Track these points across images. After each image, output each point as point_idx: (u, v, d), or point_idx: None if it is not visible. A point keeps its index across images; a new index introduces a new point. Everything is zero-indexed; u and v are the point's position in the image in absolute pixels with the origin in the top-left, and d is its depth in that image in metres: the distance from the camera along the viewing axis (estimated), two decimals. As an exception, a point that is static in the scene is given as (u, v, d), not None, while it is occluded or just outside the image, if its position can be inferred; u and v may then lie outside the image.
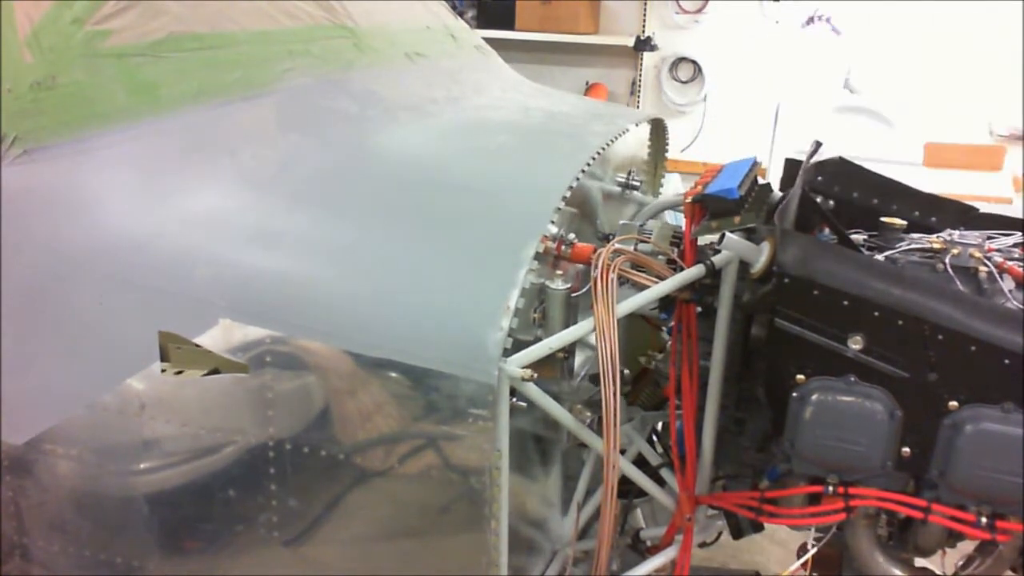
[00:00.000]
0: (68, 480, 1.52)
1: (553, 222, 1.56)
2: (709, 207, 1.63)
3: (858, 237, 1.78)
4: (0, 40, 1.49)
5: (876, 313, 1.41)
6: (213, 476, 1.49)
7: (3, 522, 1.54)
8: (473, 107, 2.16)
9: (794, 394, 1.47)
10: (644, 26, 5.51)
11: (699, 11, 5.42)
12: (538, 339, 1.47)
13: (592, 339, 1.50)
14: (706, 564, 2.69)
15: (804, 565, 1.62)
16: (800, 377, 1.47)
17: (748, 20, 5.31)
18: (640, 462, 1.89)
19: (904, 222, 1.78)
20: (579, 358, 1.77)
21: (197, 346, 1.43)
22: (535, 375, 1.40)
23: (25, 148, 1.47)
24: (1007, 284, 1.55)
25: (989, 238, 1.69)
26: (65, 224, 1.49)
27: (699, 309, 1.65)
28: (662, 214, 2.22)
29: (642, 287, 1.60)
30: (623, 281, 1.60)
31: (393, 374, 1.43)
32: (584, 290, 1.55)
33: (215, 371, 1.46)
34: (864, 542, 1.61)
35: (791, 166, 1.98)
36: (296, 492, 1.48)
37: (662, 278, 1.61)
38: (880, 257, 1.63)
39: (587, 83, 5.66)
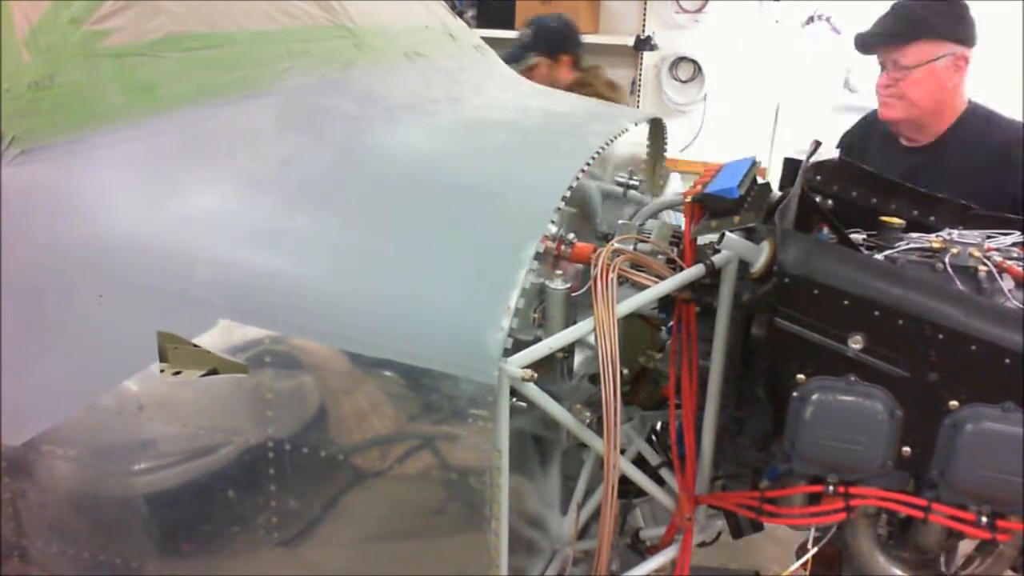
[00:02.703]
0: (67, 481, 1.52)
1: (553, 222, 1.56)
2: (709, 207, 1.63)
3: (857, 236, 1.78)
4: (-2, 40, 1.49)
5: (876, 313, 1.41)
6: (212, 477, 1.49)
7: (2, 523, 1.54)
8: (472, 107, 2.16)
9: (794, 394, 1.46)
10: (644, 26, 5.51)
11: (699, 11, 5.42)
12: (538, 339, 1.47)
13: (592, 339, 1.50)
14: (706, 564, 2.69)
15: (804, 565, 1.61)
16: (800, 377, 1.47)
17: (748, 20, 5.31)
18: (639, 462, 1.88)
19: (903, 221, 1.78)
20: (578, 358, 1.77)
21: (196, 346, 1.43)
22: (535, 375, 1.40)
23: (23, 148, 1.46)
24: (1007, 283, 1.54)
25: (988, 237, 1.69)
26: (63, 224, 1.49)
27: (698, 309, 1.65)
28: (661, 213, 2.22)
29: (642, 287, 1.59)
30: (623, 281, 1.60)
31: (393, 374, 1.42)
32: (584, 290, 1.55)
33: (214, 371, 1.46)
34: (864, 541, 1.61)
35: (791, 166, 1.97)
36: (296, 493, 1.48)
37: (662, 278, 1.61)
38: (880, 256, 1.63)
39: (587, 83, 5.65)
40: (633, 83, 5.63)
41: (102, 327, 1.47)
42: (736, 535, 1.81)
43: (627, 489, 1.91)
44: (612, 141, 1.98)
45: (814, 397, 1.45)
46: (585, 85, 3.77)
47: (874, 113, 2.64)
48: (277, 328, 1.43)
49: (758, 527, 1.73)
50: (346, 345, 1.42)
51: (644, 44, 5.42)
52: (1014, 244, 1.67)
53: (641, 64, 5.56)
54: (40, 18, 1.52)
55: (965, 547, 1.62)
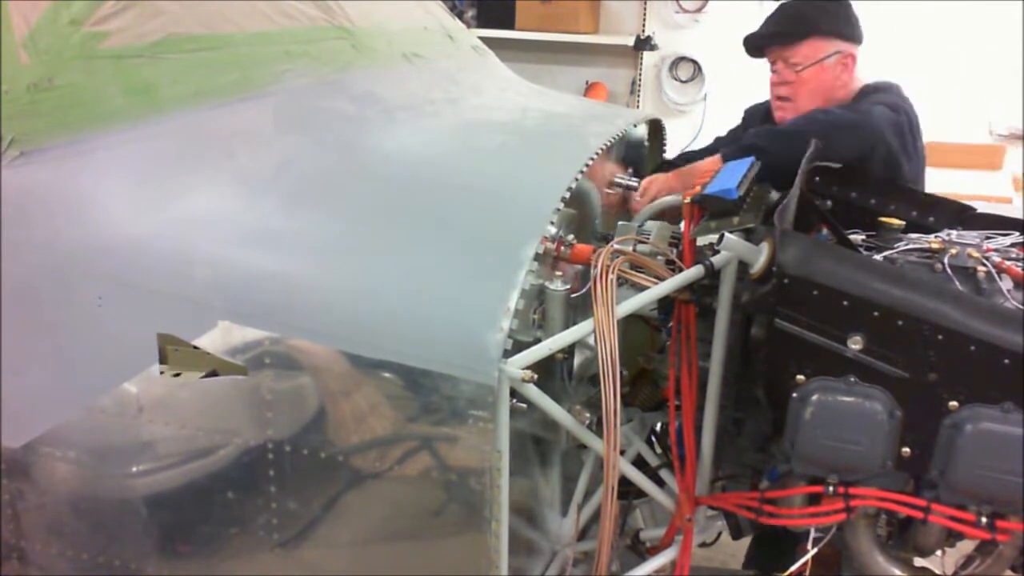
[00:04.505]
0: (66, 483, 1.52)
1: (552, 223, 1.56)
2: (708, 207, 1.63)
3: (856, 237, 1.78)
4: (-3, 42, 1.49)
5: (876, 313, 1.41)
6: (212, 478, 1.49)
7: (1, 525, 1.54)
8: (471, 107, 2.16)
9: (794, 394, 1.46)
10: (644, 25, 5.50)
11: (699, 11, 5.41)
12: (538, 340, 1.47)
13: (592, 340, 1.50)
14: (706, 564, 2.69)
15: (804, 565, 1.61)
16: (800, 377, 1.46)
17: (748, 20, 5.28)
18: (639, 463, 1.89)
19: (902, 222, 1.78)
20: (578, 359, 1.77)
21: (195, 348, 1.43)
22: (535, 376, 1.39)
23: (22, 150, 1.46)
24: (1005, 284, 1.54)
25: (987, 238, 1.69)
26: (63, 226, 1.49)
27: (698, 310, 1.65)
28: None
29: (641, 288, 1.60)
30: (622, 282, 1.60)
31: (392, 375, 1.42)
32: (583, 291, 1.55)
33: (213, 373, 1.46)
34: (864, 542, 1.60)
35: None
36: (295, 494, 1.48)
37: (661, 279, 1.61)
38: (879, 257, 1.63)
39: (587, 82, 5.65)
40: (633, 83, 5.63)
41: (101, 329, 1.47)
42: (736, 536, 1.81)
43: (627, 490, 1.91)
44: (611, 142, 1.98)
45: (814, 398, 1.45)
46: None
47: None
48: (276, 329, 1.43)
49: (758, 528, 1.73)
50: (345, 346, 1.42)
51: (644, 44, 5.41)
52: (1013, 244, 1.67)
53: (641, 64, 5.55)
54: (39, 20, 1.52)
55: (964, 547, 1.62)
